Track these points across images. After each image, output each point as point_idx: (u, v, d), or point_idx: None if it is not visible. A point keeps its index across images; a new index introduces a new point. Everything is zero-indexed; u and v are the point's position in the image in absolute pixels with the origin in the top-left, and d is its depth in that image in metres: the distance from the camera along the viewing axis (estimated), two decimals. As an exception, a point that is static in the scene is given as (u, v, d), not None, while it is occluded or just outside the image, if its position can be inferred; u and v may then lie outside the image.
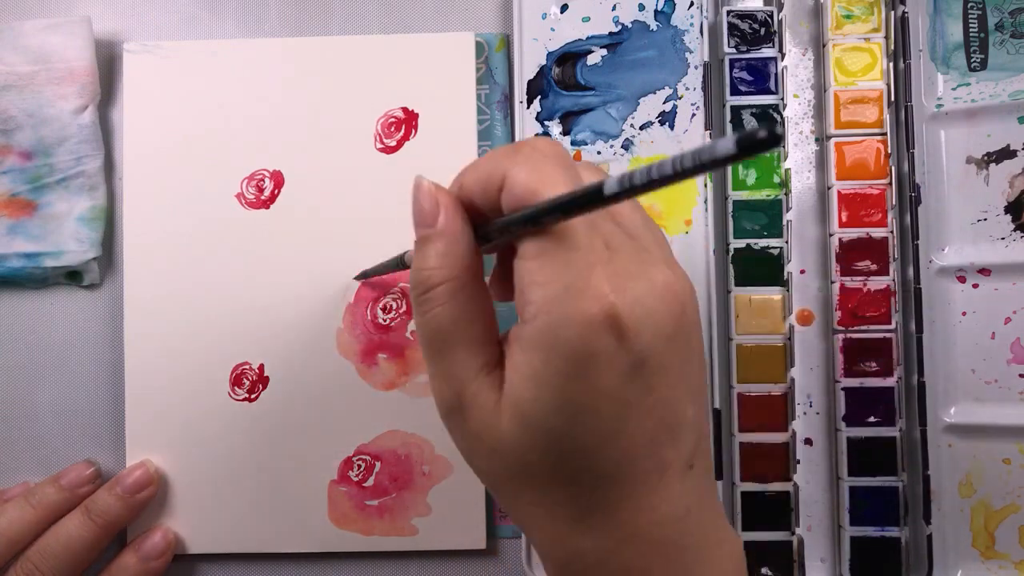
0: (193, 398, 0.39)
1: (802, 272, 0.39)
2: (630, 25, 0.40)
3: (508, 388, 0.23)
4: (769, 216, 0.39)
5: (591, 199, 0.20)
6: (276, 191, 0.40)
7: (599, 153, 0.39)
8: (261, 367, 0.39)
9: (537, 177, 0.22)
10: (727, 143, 0.17)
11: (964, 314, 0.38)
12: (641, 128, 0.39)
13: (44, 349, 0.41)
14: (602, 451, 0.23)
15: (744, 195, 0.39)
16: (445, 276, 0.24)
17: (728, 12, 0.39)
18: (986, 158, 0.38)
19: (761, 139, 0.16)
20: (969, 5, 0.39)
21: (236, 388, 0.39)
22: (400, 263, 0.32)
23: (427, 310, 0.24)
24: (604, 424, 0.22)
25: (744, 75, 0.39)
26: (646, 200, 0.39)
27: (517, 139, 0.39)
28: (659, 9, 0.40)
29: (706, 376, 0.38)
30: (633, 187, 0.19)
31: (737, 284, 0.39)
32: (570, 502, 0.23)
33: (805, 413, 0.39)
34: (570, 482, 0.23)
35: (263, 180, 0.40)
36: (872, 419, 0.38)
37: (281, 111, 0.40)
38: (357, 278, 0.39)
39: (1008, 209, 0.38)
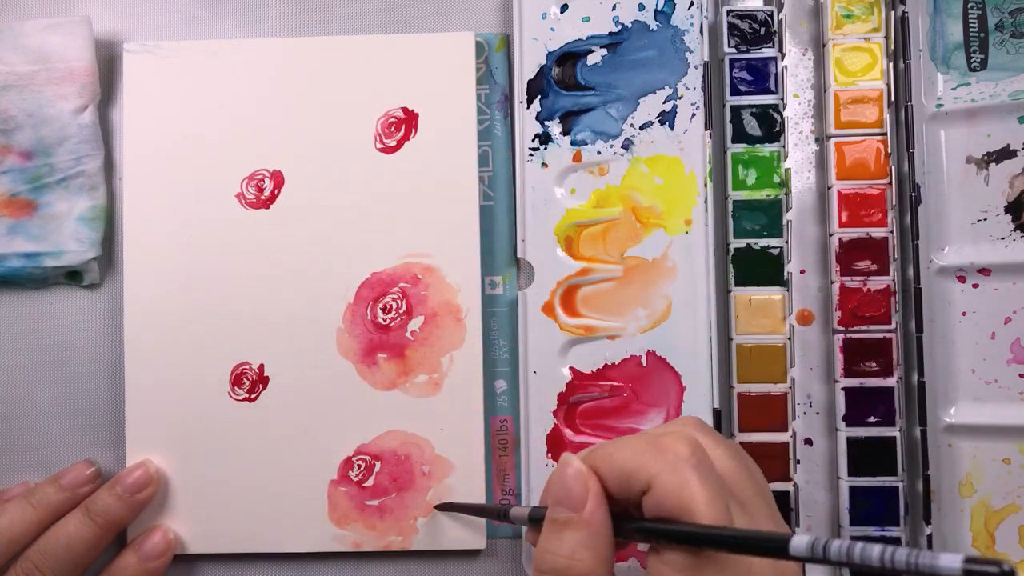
0: (193, 398, 0.39)
1: (802, 272, 0.39)
2: (630, 25, 0.40)
3: None
4: (769, 216, 0.39)
5: (770, 550, 0.20)
6: (276, 191, 0.40)
7: (599, 153, 0.39)
8: (261, 367, 0.39)
9: (688, 495, 0.23)
10: (952, 562, 0.16)
11: (964, 314, 0.38)
12: (641, 128, 0.39)
13: (44, 349, 0.41)
14: None
15: (744, 195, 0.39)
16: (585, 570, 0.24)
17: (728, 12, 0.39)
18: (986, 158, 0.38)
19: (992, 574, 0.15)
20: (969, 5, 0.39)
21: (236, 388, 0.39)
22: (500, 515, 0.32)
23: None
24: None
25: (744, 75, 0.39)
26: (647, 200, 0.39)
27: (517, 139, 0.39)
28: (659, 9, 0.40)
29: None
30: (826, 559, 0.18)
31: (737, 284, 0.39)
32: None
33: (805, 413, 0.39)
34: None
35: (263, 180, 0.40)
36: (872, 419, 0.38)
37: (281, 111, 0.40)
38: (439, 508, 0.38)
39: (1008, 209, 0.38)
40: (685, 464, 0.23)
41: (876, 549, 0.17)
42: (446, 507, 0.38)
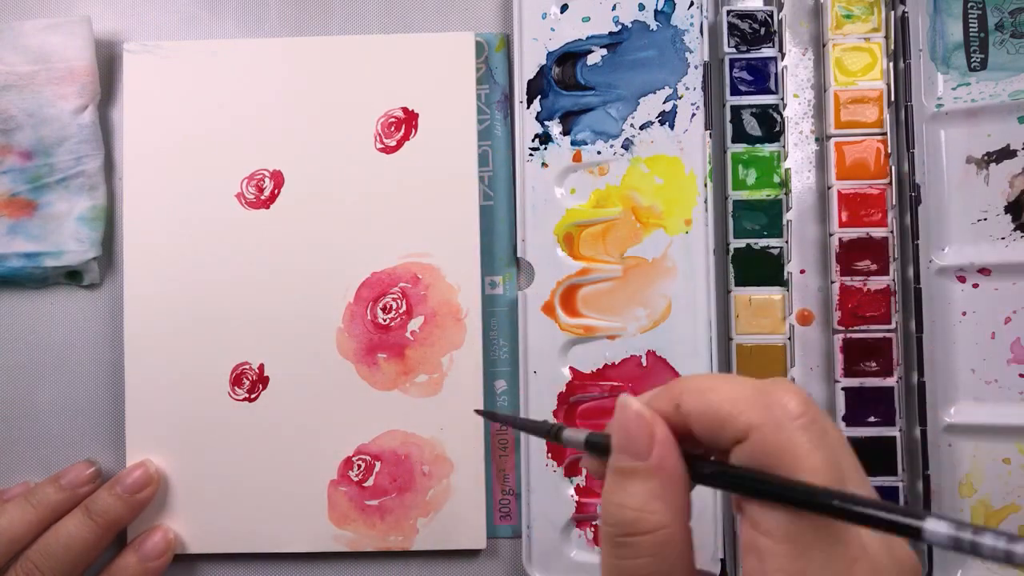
0: (193, 398, 0.39)
1: (802, 272, 0.39)
2: (630, 25, 0.40)
3: None
4: (769, 216, 0.39)
5: (903, 530, 0.18)
6: (276, 191, 0.40)
7: (599, 153, 0.39)
8: (261, 367, 0.39)
9: (796, 454, 0.20)
10: None
11: (964, 314, 0.38)
12: (641, 128, 0.39)
13: (44, 349, 0.41)
14: None
15: (744, 195, 0.39)
16: (657, 523, 0.21)
17: (728, 12, 0.39)
18: (986, 158, 0.38)
19: None
20: (969, 5, 0.39)
21: (236, 388, 0.39)
22: (549, 434, 0.27)
23: (628, 556, 0.21)
24: None
25: (744, 75, 0.39)
26: (647, 200, 0.39)
27: (517, 139, 0.39)
28: (659, 9, 0.40)
29: None
30: (975, 552, 0.16)
31: (737, 284, 0.39)
32: None
33: (805, 413, 0.39)
34: None
35: (263, 180, 0.40)
36: (872, 419, 0.38)
37: (281, 111, 0.40)
38: (479, 412, 0.37)
39: (1008, 209, 0.38)
40: (795, 423, 0.20)
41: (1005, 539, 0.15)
42: (487, 414, 0.36)
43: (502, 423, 0.33)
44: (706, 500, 0.38)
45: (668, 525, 0.21)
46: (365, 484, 0.39)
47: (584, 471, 0.38)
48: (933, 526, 0.17)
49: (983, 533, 0.16)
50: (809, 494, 0.19)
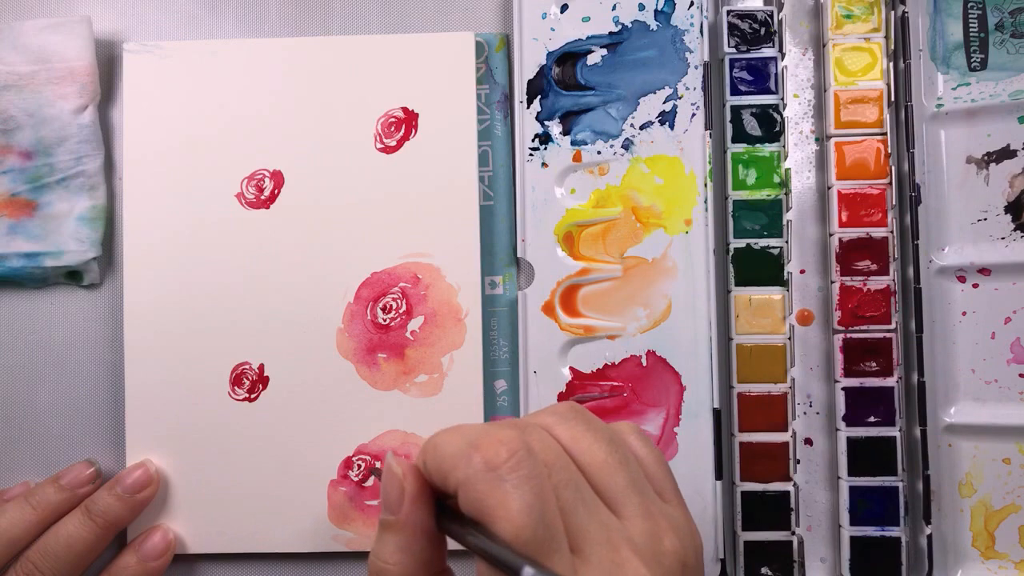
0: (193, 398, 0.39)
1: (802, 272, 0.39)
2: (630, 25, 0.40)
3: None
4: (769, 216, 0.39)
5: (506, 569, 0.21)
6: (276, 191, 0.40)
7: (599, 153, 0.39)
8: (261, 367, 0.39)
9: (491, 505, 0.22)
10: None
11: (964, 314, 0.38)
12: (641, 128, 0.39)
13: (44, 349, 0.41)
14: None
15: (744, 195, 0.39)
16: (400, 574, 0.24)
17: (728, 12, 0.39)
18: (986, 158, 0.38)
19: None
20: (969, 5, 0.39)
21: (236, 388, 0.39)
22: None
23: None
24: None
25: (744, 75, 0.39)
26: (647, 200, 0.39)
27: (517, 139, 0.39)
28: (659, 9, 0.40)
29: None
30: None
31: (737, 284, 0.39)
32: None
33: (805, 413, 0.39)
34: None
35: (263, 180, 0.40)
36: (872, 419, 0.38)
37: (281, 111, 0.40)
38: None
39: (1008, 209, 0.38)
40: (492, 474, 0.22)
41: None
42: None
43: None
44: (706, 500, 0.38)
45: (411, 575, 0.24)
46: (365, 484, 0.39)
47: None
48: (528, 572, 0.20)
49: None
50: (471, 543, 0.22)
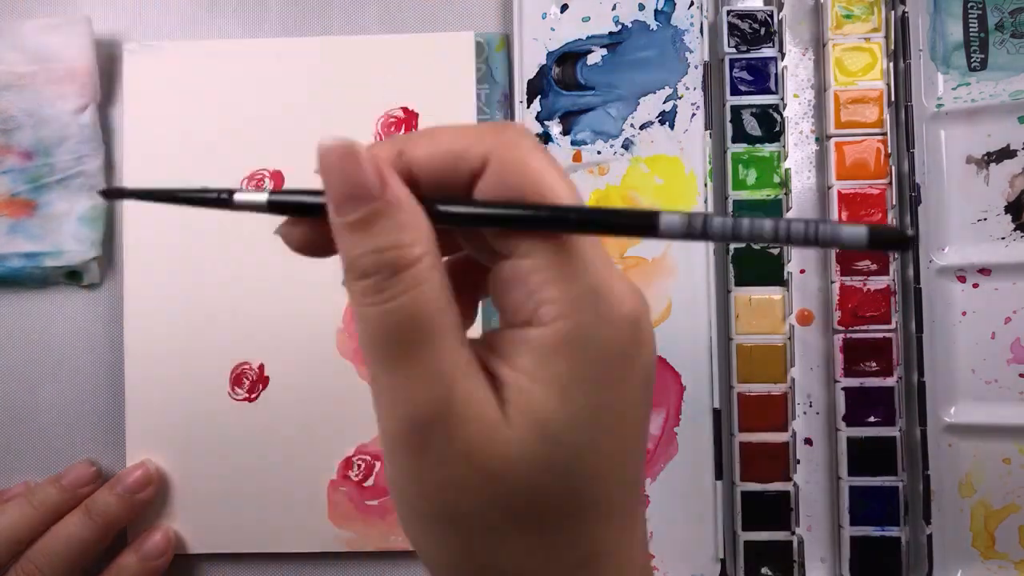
0: (193, 398, 0.39)
1: (802, 272, 0.39)
2: (630, 25, 0.40)
3: (519, 396, 0.19)
4: (769, 216, 0.39)
5: (638, 228, 0.18)
6: (276, 191, 0.40)
7: (599, 153, 0.39)
8: (261, 367, 0.39)
9: (536, 170, 0.19)
10: (857, 232, 0.15)
11: (964, 314, 0.38)
12: (641, 128, 0.39)
13: (44, 349, 0.41)
14: (623, 472, 0.20)
15: (744, 195, 0.39)
16: (420, 253, 0.19)
17: (728, 12, 0.39)
18: (986, 158, 0.38)
19: (893, 239, 0.15)
20: (969, 5, 0.39)
21: (236, 388, 0.39)
22: (220, 201, 0.24)
23: (400, 293, 0.19)
24: (628, 441, 0.20)
25: (744, 75, 0.39)
26: (647, 200, 0.39)
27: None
28: (659, 9, 0.40)
29: None
30: (706, 235, 0.17)
31: (737, 284, 0.39)
32: (572, 544, 0.20)
33: (805, 413, 0.39)
34: (578, 516, 0.19)
35: (263, 180, 0.40)
36: (872, 419, 0.38)
37: (281, 111, 0.40)
38: (104, 193, 0.36)
39: (1008, 209, 0.38)
40: (529, 142, 0.20)
41: (769, 223, 0.15)
42: (114, 194, 0.36)
43: (145, 199, 0.25)
44: (706, 500, 0.38)
45: (429, 251, 0.19)
46: (365, 484, 0.39)
47: None
48: (667, 218, 0.18)
49: (712, 218, 0.17)
50: (559, 212, 0.19)
